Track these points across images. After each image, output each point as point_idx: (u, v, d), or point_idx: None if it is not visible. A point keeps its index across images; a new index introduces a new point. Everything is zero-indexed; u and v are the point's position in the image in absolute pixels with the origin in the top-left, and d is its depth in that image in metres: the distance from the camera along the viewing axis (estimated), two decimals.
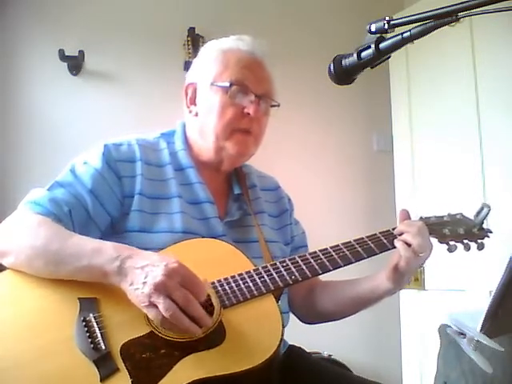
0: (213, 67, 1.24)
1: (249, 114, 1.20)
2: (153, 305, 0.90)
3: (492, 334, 1.21)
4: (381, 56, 0.86)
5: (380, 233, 1.15)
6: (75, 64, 2.67)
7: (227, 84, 1.21)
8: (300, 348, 1.27)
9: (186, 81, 1.30)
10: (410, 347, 2.73)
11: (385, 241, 1.13)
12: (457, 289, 2.41)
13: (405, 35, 0.82)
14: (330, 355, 2.51)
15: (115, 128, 2.44)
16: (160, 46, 2.79)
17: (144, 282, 0.90)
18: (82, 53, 2.65)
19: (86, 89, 2.71)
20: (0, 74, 2.61)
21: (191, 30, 2.77)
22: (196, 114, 1.26)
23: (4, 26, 2.64)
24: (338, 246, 1.13)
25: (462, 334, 1.32)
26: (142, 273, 0.92)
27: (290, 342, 1.23)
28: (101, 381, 0.86)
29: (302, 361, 1.23)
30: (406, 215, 1.19)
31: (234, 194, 1.28)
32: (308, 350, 1.31)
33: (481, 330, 1.21)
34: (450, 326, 1.43)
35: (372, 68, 0.88)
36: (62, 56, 2.61)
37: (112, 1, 2.81)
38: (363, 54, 0.87)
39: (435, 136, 2.68)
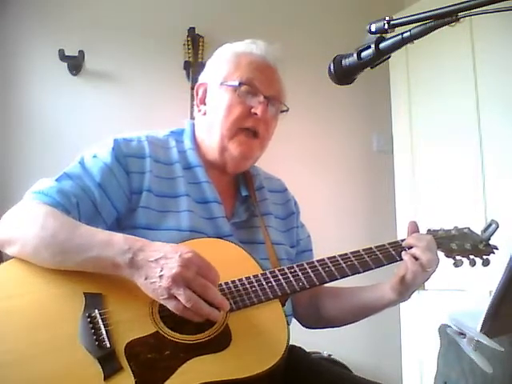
0: (224, 68, 1.25)
1: (256, 114, 1.20)
2: (172, 297, 0.90)
3: (492, 334, 1.21)
4: (381, 56, 0.86)
5: (389, 244, 1.15)
6: (75, 64, 2.67)
7: (236, 83, 1.22)
8: (300, 348, 1.27)
9: (198, 81, 1.32)
10: (409, 347, 2.73)
11: (393, 252, 1.13)
12: (457, 289, 2.41)
13: (405, 35, 0.82)
14: (329, 355, 2.51)
15: (115, 128, 2.43)
16: (160, 46, 2.79)
17: (160, 276, 0.90)
18: (82, 53, 2.65)
19: (86, 89, 2.71)
20: (0, 74, 2.61)
21: (191, 30, 2.77)
22: (205, 113, 1.27)
23: (4, 25, 2.64)
24: (346, 254, 1.13)
25: (462, 333, 1.32)
26: (157, 266, 0.92)
27: (290, 342, 1.23)
28: (104, 379, 0.86)
29: (302, 361, 1.23)
30: (415, 227, 1.19)
31: (242, 196, 1.29)
32: (308, 350, 1.31)
33: (481, 330, 1.21)
34: (449, 326, 1.43)
35: (372, 68, 0.89)
36: (62, 56, 2.61)
37: (112, 1, 2.81)
38: (363, 54, 0.87)
39: (435, 136, 2.68)
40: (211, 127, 1.24)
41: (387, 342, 2.85)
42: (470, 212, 2.30)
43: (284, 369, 1.10)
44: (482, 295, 2.07)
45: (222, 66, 1.26)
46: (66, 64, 2.66)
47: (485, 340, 1.19)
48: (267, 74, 1.25)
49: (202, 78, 1.32)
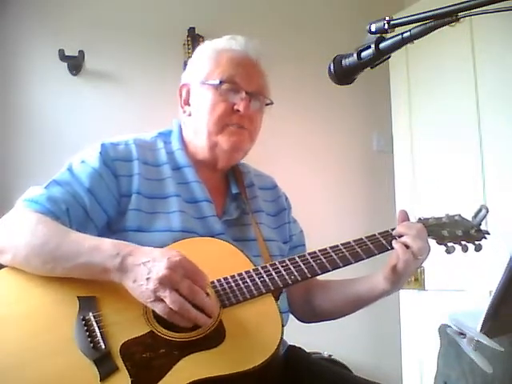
0: (205, 67, 1.25)
1: (239, 110, 1.20)
2: (159, 299, 0.90)
3: (492, 334, 1.21)
4: (381, 56, 0.86)
5: (379, 234, 1.16)
6: (75, 64, 2.67)
7: (217, 82, 1.21)
8: (300, 348, 1.27)
9: (181, 82, 1.31)
10: (410, 347, 2.73)
11: (384, 242, 1.14)
12: (457, 289, 2.41)
13: (405, 35, 0.82)
14: (330, 355, 2.51)
15: (115, 128, 2.44)
16: (160, 46, 2.79)
17: (148, 278, 0.91)
18: (82, 53, 2.65)
19: (86, 89, 2.71)
20: (0, 74, 2.61)
21: (191, 30, 2.77)
22: (190, 114, 1.27)
23: (4, 25, 2.64)
24: (337, 246, 1.13)
25: (462, 333, 1.31)
26: (145, 269, 0.92)
27: (290, 342, 1.23)
28: (101, 380, 0.86)
29: (302, 361, 1.23)
30: (405, 216, 1.19)
31: (232, 194, 1.29)
32: (308, 350, 1.31)
33: (481, 330, 1.20)
34: (449, 326, 1.43)
35: (372, 68, 0.88)
36: (62, 56, 2.61)
37: (112, 1, 2.81)
38: (363, 54, 0.87)
39: (435, 136, 2.68)
40: (197, 127, 1.24)
41: (387, 342, 2.85)
42: (470, 212, 2.30)
43: (283, 369, 1.11)
44: (482, 295, 2.07)
45: (202, 64, 1.26)
46: (65, 64, 2.66)
47: (485, 340, 1.19)
48: (248, 69, 1.24)
49: (184, 79, 1.31)
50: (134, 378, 0.87)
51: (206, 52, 1.27)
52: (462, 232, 1.19)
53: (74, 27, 2.70)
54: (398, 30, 0.82)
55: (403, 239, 1.11)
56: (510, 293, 1.16)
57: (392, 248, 1.12)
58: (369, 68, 0.88)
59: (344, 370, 1.63)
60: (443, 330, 1.70)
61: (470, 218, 1.23)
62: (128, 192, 1.14)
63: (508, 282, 1.15)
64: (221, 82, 1.21)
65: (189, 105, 1.28)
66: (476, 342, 1.24)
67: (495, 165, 2.34)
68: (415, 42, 0.81)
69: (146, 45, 2.78)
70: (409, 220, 1.19)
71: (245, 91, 1.21)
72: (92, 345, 0.90)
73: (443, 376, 1.73)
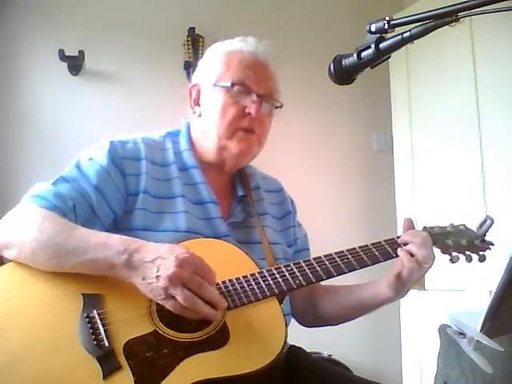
0: (216, 68, 1.25)
1: (250, 113, 1.20)
2: (170, 297, 0.91)
3: (492, 334, 1.21)
4: (381, 56, 0.86)
5: (385, 241, 1.16)
6: (75, 64, 2.67)
7: (229, 84, 1.21)
8: (300, 348, 1.27)
9: (191, 82, 1.31)
10: (410, 347, 2.73)
11: (389, 249, 1.14)
12: (457, 289, 2.41)
13: (405, 35, 0.82)
14: (330, 355, 2.51)
15: (115, 128, 2.44)
16: (160, 46, 2.79)
17: (157, 276, 0.91)
18: (82, 53, 2.66)
19: (86, 89, 2.71)
20: (0, 74, 2.61)
21: (191, 30, 2.77)
22: (199, 115, 1.27)
23: (4, 25, 2.64)
24: (342, 252, 1.13)
25: (462, 333, 1.31)
26: (153, 266, 0.92)
27: (290, 342, 1.23)
28: (103, 378, 0.87)
29: (302, 361, 1.23)
30: (411, 224, 1.20)
31: (238, 196, 1.29)
32: (308, 350, 1.31)
33: (481, 330, 1.20)
34: (449, 326, 1.43)
35: (372, 68, 0.88)
36: (62, 56, 2.61)
37: (112, 1, 2.81)
38: (363, 54, 0.87)
39: (435, 136, 2.68)
40: (207, 129, 1.24)
41: (387, 342, 2.85)
42: (470, 212, 2.30)
43: (284, 369, 1.11)
44: (482, 295, 2.08)
45: (213, 66, 1.26)
46: (66, 64, 2.66)
47: (485, 340, 1.19)
48: (258, 71, 1.24)
49: (194, 79, 1.31)
50: (136, 377, 0.87)
51: (216, 54, 1.27)
52: (466, 242, 1.19)
53: (73, 27, 2.70)
54: (398, 30, 0.82)
55: (408, 247, 1.12)
56: (510, 293, 1.16)
57: (397, 256, 1.12)
58: (369, 68, 0.88)
59: (344, 370, 1.63)
60: (443, 329, 1.70)
61: (474, 228, 1.23)
62: (135, 191, 1.14)
63: (508, 282, 1.15)
64: (232, 85, 1.21)
65: (199, 105, 1.28)
66: (476, 342, 1.24)
67: (495, 165, 2.34)
68: (415, 42, 0.81)
69: (146, 45, 2.78)
70: (414, 228, 1.20)
71: (256, 94, 1.21)
72: (95, 342, 0.90)
73: (443, 376, 1.73)
